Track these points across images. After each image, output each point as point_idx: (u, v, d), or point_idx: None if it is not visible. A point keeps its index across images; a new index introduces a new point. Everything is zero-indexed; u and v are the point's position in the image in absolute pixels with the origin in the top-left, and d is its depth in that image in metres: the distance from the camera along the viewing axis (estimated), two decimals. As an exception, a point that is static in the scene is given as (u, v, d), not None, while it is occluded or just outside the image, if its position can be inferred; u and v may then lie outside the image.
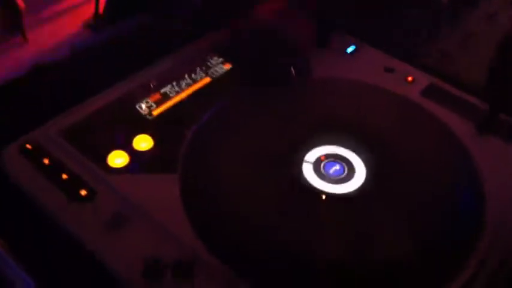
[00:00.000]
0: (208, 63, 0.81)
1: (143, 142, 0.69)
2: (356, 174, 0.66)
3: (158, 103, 0.74)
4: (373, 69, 0.82)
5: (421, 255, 0.59)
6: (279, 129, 0.72)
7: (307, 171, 0.67)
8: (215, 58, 0.82)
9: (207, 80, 0.79)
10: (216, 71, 0.80)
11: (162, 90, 0.76)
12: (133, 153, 0.67)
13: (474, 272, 0.57)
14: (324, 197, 0.64)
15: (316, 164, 0.67)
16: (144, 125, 0.71)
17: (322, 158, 0.68)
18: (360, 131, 0.72)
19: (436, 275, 0.57)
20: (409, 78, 0.80)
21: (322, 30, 0.85)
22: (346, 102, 0.76)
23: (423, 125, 0.74)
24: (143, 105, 0.74)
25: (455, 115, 0.75)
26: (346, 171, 0.67)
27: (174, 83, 0.77)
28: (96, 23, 0.92)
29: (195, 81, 0.78)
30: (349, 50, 0.83)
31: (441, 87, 0.79)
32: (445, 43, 0.89)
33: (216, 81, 0.79)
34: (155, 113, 0.73)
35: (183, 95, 0.76)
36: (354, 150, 0.69)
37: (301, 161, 0.68)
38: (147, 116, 0.72)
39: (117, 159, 0.66)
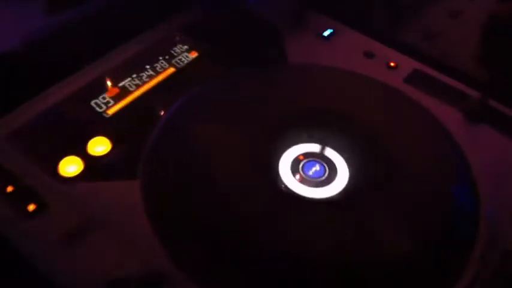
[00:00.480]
0: (172, 52, 0.73)
1: (99, 145, 0.61)
2: (338, 175, 0.60)
3: (116, 99, 0.66)
4: (352, 54, 0.75)
5: (414, 260, 0.53)
6: (252, 125, 0.65)
7: (285, 173, 0.60)
8: (179, 45, 0.74)
9: (171, 70, 0.71)
10: (181, 60, 0.72)
11: (121, 84, 0.68)
12: (88, 158, 0.60)
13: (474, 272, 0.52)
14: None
15: (294, 165, 0.61)
16: (100, 125, 0.64)
17: (301, 157, 0.62)
18: (339, 124, 0.65)
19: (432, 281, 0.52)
20: (392, 64, 0.73)
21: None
22: (323, 92, 0.70)
23: (409, 116, 0.67)
24: (99, 102, 0.66)
25: (442, 103, 0.69)
26: (327, 172, 0.60)
27: (134, 75, 0.69)
28: (50, 6, 0.82)
29: (157, 72, 0.70)
30: (326, 33, 0.76)
31: (426, 73, 0.73)
32: (428, 23, 0.82)
33: (181, 72, 0.71)
34: (113, 110, 0.65)
35: (145, 88, 0.68)
36: (333, 147, 0.63)
37: (277, 162, 0.61)
38: (104, 114, 0.65)
39: (70, 166, 0.59)
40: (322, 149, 0.62)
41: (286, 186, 0.58)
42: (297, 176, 0.60)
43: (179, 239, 0.54)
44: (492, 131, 0.66)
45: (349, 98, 0.68)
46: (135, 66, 0.70)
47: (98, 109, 0.65)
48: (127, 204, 0.56)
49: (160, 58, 0.72)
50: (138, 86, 0.68)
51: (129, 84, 0.68)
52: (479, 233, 0.55)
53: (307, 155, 0.62)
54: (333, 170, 0.60)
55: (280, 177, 0.59)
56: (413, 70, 0.73)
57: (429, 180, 0.59)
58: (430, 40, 0.80)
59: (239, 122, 0.65)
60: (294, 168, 0.60)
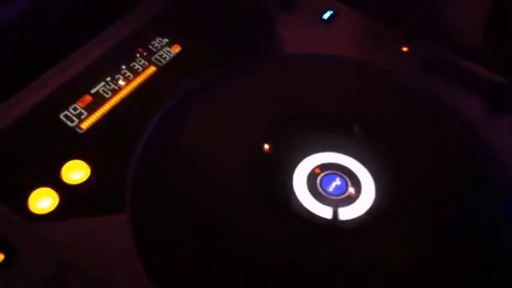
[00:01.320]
0: (151, 47, 0.62)
1: (76, 171, 0.50)
2: (363, 190, 0.51)
3: (90, 109, 0.55)
4: (358, 39, 0.66)
5: None
6: (253, 134, 0.55)
7: (300, 190, 0.51)
8: (158, 39, 0.63)
9: (152, 69, 0.60)
10: (162, 57, 0.61)
11: (93, 90, 0.57)
12: (63, 188, 0.49)
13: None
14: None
15: (311, 180, 0.52)
16: (74, 144, 0.53)
17: (317, 170, 0.52)
18: (352, 127, 0.56)
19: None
20: (404, 49, 0.64)
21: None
22: (329, 88, 0.60)
23: (432, 112, 0.59)
24: (70, 114, 0.55)
25: (466, 94, 0.61)
26: (349, 186, 0.51)
27: (108, 79, 0.58)
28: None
29: (136, 73, 0.59)
30: (326, 16, 0.66)
31: (443, 58, 0.64)
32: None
33: (163, 71, 0.60)
34: (87, 123, 0.54)
35: (123, 93, 0.57)
36: (350, 154, 0.54)
37: (288, 177, 0.52)
38: (77, 129, 0.54)
39: (42, 200, 0.48)
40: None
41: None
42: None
43: (177, 282, 0.45)
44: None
45: (366, 95, 0.59)
46: (108, 68, 0.59)
47: (69, 123, 0.54)
48: (113, 243, 0.46)
49: (138, 56, 0.60)
50: (114, 92, 0.57)
51: (103, 90, 0.57)
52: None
53: (323, 167, 0.53)
54: (355, 184, 0.51)
55: (296, 197, 0.50)
56: (428, 56, 0.64)
57: (468, 192, 0.51)
58: (439, 19, 0.71)
59: (240, 131, 0.55)
60: (311, 184, 0.51)
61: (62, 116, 0.54)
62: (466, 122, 0.57)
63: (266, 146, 0.53)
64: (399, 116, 0.58)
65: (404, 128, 0.57)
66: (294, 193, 0.51)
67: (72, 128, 0.53)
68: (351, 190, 0.51)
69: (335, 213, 0.49)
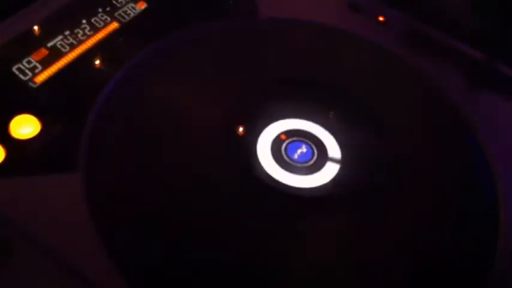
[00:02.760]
0: (114, 2, 0.58)
1: (25, 126, 0.47)
2: (328, 159, 0.49)
3: (45, 63, 0.52)
4: (334, 6, 0.63)
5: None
6: (220, 95, 0.53)
7: (264, 157, 0.48)
8: (123, -6, 0.59)
9: (114, 25, 0.57)
10: (126, 13, 0.58)
11: (50, 44, 0.53)
12: (11, 143, 0.46)
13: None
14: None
15: (275, 146, 0.49)
16: (25, 98, 0.49)
17: (283, 137, 0.50)
18: (324, 94, 0.54)
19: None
20: (381, 18, 0.62)
21: None
22: (304, 55, 0.58)
23: (406, 84, 0.57)
24: (23, 68, 0.51)
25: (442, 66, 0.59)
26: (315, 154, 0.49)
27: (67, 33, 0.55)
28: None
29: (96, 28, 0.56)
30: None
31: (422, 30, 0.62)
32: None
33: (126, 27, 0.57)
34: (41, 78, 0.51)
35: (81, 49, 0.54)
36: (320, 123, 0.52)
37: (253, 142, 0.50)
38: (30, 84, 0.50)
39: (-13, 155, 0.45)
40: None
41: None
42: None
43: (132, 253, 0.43)
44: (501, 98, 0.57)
45: (339, 62, 0.57)
46: (68, 21, 0.56)
47: (22, 77, 0.50)
48: (63, 204, 0.43)
49: (100, 10, 0.57)
50: (72, 46, 0.54)
51: (61, 44, 0.54)
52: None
53: (290, 133, 0.50)
54: (321, 152, 0.49)
55: (259, 163, 0.48)
56: (405, 27, 0.62)
57: (442, 167, 0.50)
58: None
59: (205, 92, 0.52)
60: (276, 150, 0.49)
61: (14, 69, 0.51)
62: (445, 96, 0.55)
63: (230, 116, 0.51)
64: (372, 85, 0.56)
65: (377, 97, 0.55)
66: (257, 159, 0.48)
67: (25, 82, 0.50)
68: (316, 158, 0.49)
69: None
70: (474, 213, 0.48)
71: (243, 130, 0.50)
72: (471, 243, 0.46)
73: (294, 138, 0.50)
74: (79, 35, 0.55)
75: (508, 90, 0.59)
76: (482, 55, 0.61)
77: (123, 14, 0.57)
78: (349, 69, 0.57)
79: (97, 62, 0.53)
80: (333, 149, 0.50)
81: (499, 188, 0.50)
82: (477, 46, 0.60)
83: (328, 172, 0.48)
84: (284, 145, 0.49)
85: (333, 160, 0.48)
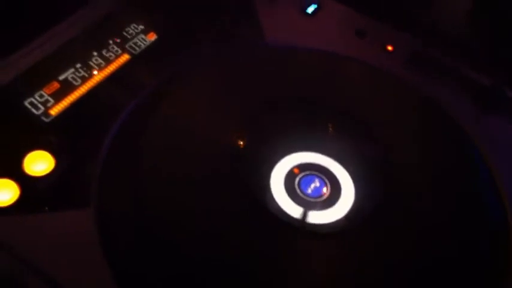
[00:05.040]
0: (125, 34, 0.58)
1: (39, 162, 0.47)
2: (343, 193, 0.49)
3: (57, 96, 0.52)
4: (342, 33, 0.64)
5: None
6: (229, 128, 0.53)
7: (278, 191, 0.48)
8: (133, 25, 0.59)
9: (125, 57, 0.57)
10: (137, 45, 0.58)
11: (62, 77, 0.54)
12: (25, 180, 0.46)
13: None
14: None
15: (289, 180, 0.49)
16: (38, 132, 0.49)
17: (296, 170, 0.50)
18: (337, 126, 0.54)
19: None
20: (389, 48, 0.62)
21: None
22: (314, 85, 0.58)
23: (417, 112, 0.57)
24: (36, 101, 0.51)
25: (449, 91, 0.59)
26: (328, 189, 0.49)
27: (79, 65, 0.55)
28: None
29: (108, 60, 0.56)
30: (310, 9, 0.64)
31: (428, 55, 0.63)
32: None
33: (137, 59, 0.57)
34: (53, 112, 0.51)
35: (93, 82, 0.54)
36: (331, 156, 0.52)
37: (266, 176, 0.50)
38: (43, 118, 0.50)
39: (2, 192, 0.45)
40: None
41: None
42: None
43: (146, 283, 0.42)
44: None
45: (351, 91, 0.57)
46: (79, 53, 0.56)
47: (34, 111, 0.50)
48: (77, 242, 0.43)
49: (111, 42, 0.57)
50: (84, 79, 0.54)
51: (72, 77, 0.54)
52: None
53: (303, 167, 0.50)
54: (334, 185, 0.49)
55: (272, 197, 0.48)
56: (412, 52, 0.62)
57: (451, 195, 0.50)
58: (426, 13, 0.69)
59: (218, 124, 0.52)
60: (289, 184, 0.49)
61: (26, 103, 0.51)
62: (453, 121, 0.55)
63: (241, 143, 0.51)
64: (382, 115, 0.56)
65: (387, 127, 0.55)
66: (270, 193, 0.48)
67: (38, 116, 0.50)
68: (328, 193, 0.49)
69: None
70: (484, 237, 0.49)
71: (256, 163, 0.50)
72: (482, 269, 0.46)
73: (307, 172, 0.50)
74: (90, 68, 0.55)
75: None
76: (489, 79, 0.61)
77: (133, 45, 0.58)
78: (360, 99, 0.57)
79: (108, 94, 0.53)
80: (346, 181, 0.50)
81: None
82: (484, 70, 0.61)
83: (342, 207, 0.48)
84: (297, 179, 0.49)
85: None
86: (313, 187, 0.49)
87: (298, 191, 0.49)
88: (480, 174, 0.53)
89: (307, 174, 0.49)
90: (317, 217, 0.47)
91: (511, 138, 0.58)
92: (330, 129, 0.53)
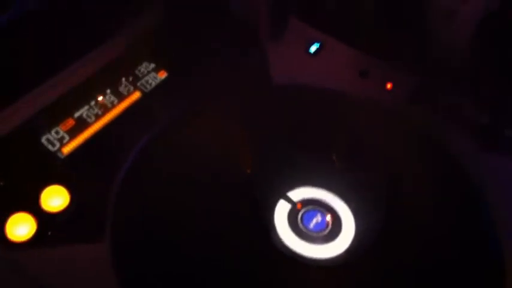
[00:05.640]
0: (137, 72, 0.61)
1: (55, 197, 0.50)
2: (343, 228, 0.51)
3: (72, 133, 0.55)
4: (344, 72, 0.66)
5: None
6: (235, 164, 0.56)
7: (281, 226, 0.51)
8: (145, 64, 0.62)
9: (137, 95, 0.59)
10: (148, 82, 0.61)
11: (77, 114, 0.56)
12: (42, 215, 0.48)
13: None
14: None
15: (292, 215, 0.52)
16: (54, 168, 0.52)
17: (299, 206, 0.53)
18: (338, 162, 0.57)
19: None
20: (388, 86, 0.65)
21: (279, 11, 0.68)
22: (314, 120, 0.61)
23: (418, 148, 0.59)
24: (52, 138, 0.54)
25: (454, 129, 0.61)
26: (330, 224, 0.52)
27: (93, 103, 0.58)
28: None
29: (121, 97, 0.59)
30: (313, 49, 0.67)
31: (429, 92, 0.65)
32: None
33: (148, 97, 0.60)
34: (68, 148, 0.54)
35: (106, 119, 0.57)
36: (333, 190, 0.54)
37: (270, 210, 0.52)
38: (59, 154, 0.53)
39: (20, 227, 0.47)
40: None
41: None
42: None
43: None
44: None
45: (351, 128, 0.59)
46: (93, 91, 0.59)
47: (50, 147, 0.53)
48: (94, 275, 0.46)
49: (123, 80, 0.60)
50: (98, 117, 0.57)
51: (87, 115, 0.56)
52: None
53: (305, 202, 0.53)
54: (336, 222, 0.52)
55: (276, 232, 0.50)
56: (414, 89, 0.65)
57: (451, 234, 0.52)
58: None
59: (223, 165, 0.55)
60: (292, 219, 0.51)
61: (43, 140, 0.53)
62: (454, 160, 0.58)
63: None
64: (383, 151, 0.59)
65: (389, 164, 0.58)
66: (274, 228, 0.51)
67: (54, 153, 0.53)
68: (330, 227, 0.51)
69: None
70: (482, 271, 0.51)
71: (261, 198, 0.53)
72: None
73: (310, 207, 0.52)
74: (104, 105, 0.57)
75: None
76: (489, 118, 0.63)
77: (145, 83, 0.60)
78: (361, 136, 0.59)
79: (121, 130, 0.56)
80: (347, 216, 0.52)
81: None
82: (485, 108, 0.63)
83: (343, 241, 0.50)
84: (300, 214, 0.52)
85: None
86: (315, 222, 0.51)
87: (301, 225, 0.51)
88: (480, 210, 0.55)
89: (310, 209, 0.52)
90: (319, 251, 0.49)
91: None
92: (334, 163, 0.55)
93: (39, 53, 0.60)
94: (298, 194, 0.53)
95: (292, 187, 0.54)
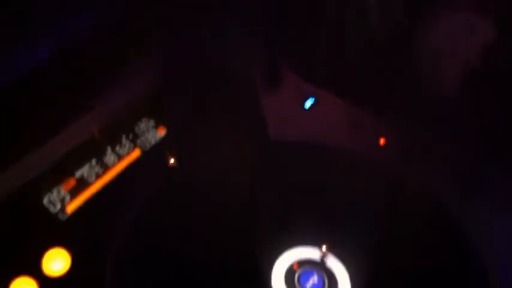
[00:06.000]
0: (137, 128, 0.63)
1: (57, 260, 0.51)
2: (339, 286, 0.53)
3: (73, 193, 0.56)
4: (338, 126, 0.68)
5: None
6: (231, 223, 0.57)
7: (278, 285, 0.52)
8: (145, 120, 0.64)
9: (137, 153, 0.61)
10: (147, 140, 0.62)
11: (78, 173, 0.57)
12: (43, 280, 0.49)
13: None
14: None
15: (289, 276, 0.53)
16: (56, 230, 0.53)
17: (295, 266, 0.54)
18: (333, 221, 0.58)
19: None
20: (381, 141, 0.67)
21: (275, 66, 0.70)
22: (312, 180, 0.62)
23: (409, 203, 0.61)
24: (54, 199, 0.55)
25: (441, 176, 0.63)
26: (326, 284, 0.53)
27: (94, 161, 0.59)
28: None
29: (120, 156, 0.60)
30: (307, 104, 0.69)
31: (419, 145, 0.67)
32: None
33: (148, 154, 0.61)
34: (70, 208, 0.55)
35: (107, 177, 0.58)
36: (329, 250, 0.56)
37: (268, 271, 0.53)
38: (60, 216, 0.54)
39: (22, 292, 0.48)
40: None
41: None
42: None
43: None
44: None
45: (342, 185, 0.61)
46: (94, 148, 0.60)
47: (52, 209, 0.54)
48: None
49: (123, 137, 0.61)
50: (98, 176, 0.58)
51: (87, 174, 0.58)
52: None
53: (302, 263, 0.54)
54: (332, 282, 0.53)
55: (274, 293, 0.51)
56: (407, 144, 0.67)
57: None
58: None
59: (219, 227, 0.56)
60: (289, 280, 0.52)
61: (44, 201, 0.54)
62: (444, 210, 0.59)
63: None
64: (376, 208, 0.60)
65: (382, 220, 0.59)
66: (272, 288, 0.52)
67: (55, 214, 0.54)
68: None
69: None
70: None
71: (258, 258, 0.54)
72: None
73: (306, 267, 0.53)
74: (105, 163, 0.59)
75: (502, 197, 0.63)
76: (474, 162, 0.65)
77: (144, 140, 0.62)
78: (355, 192, 0.61)
79: (121, 188, 0.57)
80: (342, 275, 0.53)
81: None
82: (472, 154, 0.65)
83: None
84: (297, 275, 0.53)
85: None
86: (311, 282, 0.52)
87: (297, 286, 0.52)
88: (468, 255, 0.56)
89: (306, 269, 0.53)
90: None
91: (497, 220, 0.61)
92: (329, 221, 0.57)
93: (40, 113, 0.61)
94: (294, 254, 0.54)
95: (288, 247, 0.55)
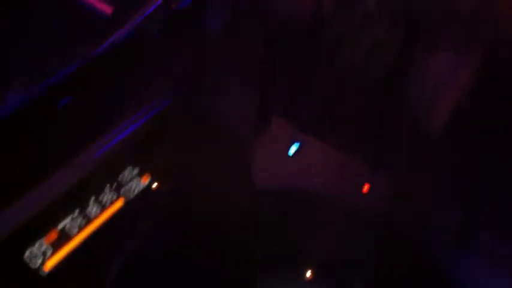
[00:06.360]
0: (120, 177, 0.62)
1: (38, 321, 0.49)
2: None
3: (55, 246, 0.55)
4: (322, 172, 0.68)
5: None
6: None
7: None
8: (129, 167, 0.63)
9: (120, 203, 0.60)
10: (132, 189, 0.61)
11: (60, 226, 0.56)
12: None
13: None
14: None
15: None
16: (36, 286, 0.52)
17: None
18: (320, 271, 0.58)
19: None
20: (365, 188, 0.67)
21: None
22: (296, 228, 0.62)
23: (400, 257, 0.61)
24: (36, 252, 0.54)
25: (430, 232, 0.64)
26: None
27: (76, 212, 0.58)
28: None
29: (104, 206, 0.59)
30: (292, 150, 0.69)
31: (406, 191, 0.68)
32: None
33: (132, 204, 0.60)
34: (50, 263, 0.53)
35: (90, 229, 0.57)
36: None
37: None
38: (40, 272, 0.53)
39: None
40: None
41: None
42: None
43: None
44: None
45: (329, 233, 0.61)
46: (77, 199, 0.59)
47: (32, 265, 0.53)
48: None
49: (107, 186, 0.60)
50: (81, 228, 0.57)
51: (69, 226, 0.56)
52: None
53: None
54: None
55: None
56: (391, 189, 0.67)
57: None
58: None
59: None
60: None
61: (25, 257, 0.53)
62: (433, 264, 0.60)
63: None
64: (362, 257, 0.60)
65: (368, 269, 0.59)
66: None
67: (35, 270, 0.52)
68: None
69: None
70: None
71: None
72: None
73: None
74: (88, 215, 0.58)
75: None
76: (463, 220, 0.66)
77: (129, 189, 0.61)
78: (339, 242, 0.61)
79: (105, 240, 0.56)
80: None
81: None
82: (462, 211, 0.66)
83: None
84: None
85: None
86: None
87: None
88: None
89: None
90: None
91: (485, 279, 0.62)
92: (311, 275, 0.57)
93: (20, 163, 0.60)
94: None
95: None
